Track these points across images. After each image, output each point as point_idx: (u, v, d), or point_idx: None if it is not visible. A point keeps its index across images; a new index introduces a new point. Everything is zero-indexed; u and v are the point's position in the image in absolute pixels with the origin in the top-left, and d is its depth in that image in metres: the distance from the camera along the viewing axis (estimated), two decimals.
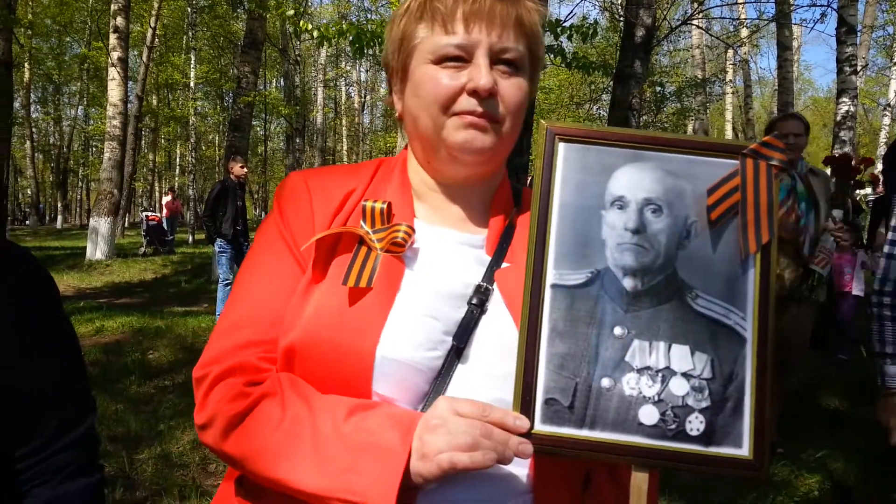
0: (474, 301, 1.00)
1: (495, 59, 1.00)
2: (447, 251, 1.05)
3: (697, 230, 0.91)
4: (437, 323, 0.97)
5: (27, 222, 35.26)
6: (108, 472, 4.03)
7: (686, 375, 0.88)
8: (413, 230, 1.03)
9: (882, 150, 20.92)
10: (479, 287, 1.01)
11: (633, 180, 0.92)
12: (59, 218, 37.29)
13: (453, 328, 0.97)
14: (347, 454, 0.87)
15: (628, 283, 0.90)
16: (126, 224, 27.19)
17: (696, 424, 0.87)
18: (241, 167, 9.25)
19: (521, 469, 0.95)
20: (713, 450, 0.87)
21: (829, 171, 5.26)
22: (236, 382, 0.96)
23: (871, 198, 9.76)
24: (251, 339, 0.99)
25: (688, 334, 0.89)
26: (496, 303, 1.01)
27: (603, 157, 0.93)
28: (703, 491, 3.90)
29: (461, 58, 1.00)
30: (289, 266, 1.04)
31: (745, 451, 0.87)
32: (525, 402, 0.88)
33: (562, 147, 0.94)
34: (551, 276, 0.91)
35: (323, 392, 0.94)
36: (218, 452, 0.98)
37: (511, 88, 1.02)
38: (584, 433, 0.87)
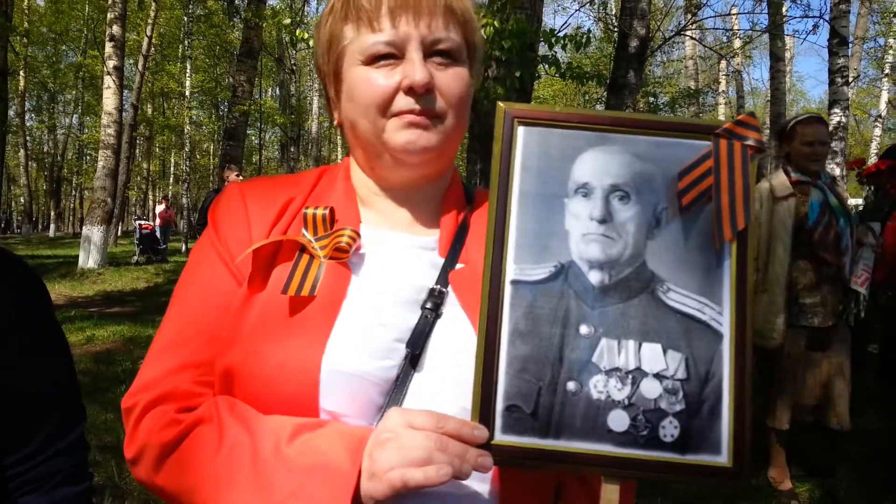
0: (428, 305, 0.94)
1: (429, 51, 0.95)
2: (397, 255, 1.00)
3: (668, 218, 0.85)
4: (388, 330, 0.91)
5: (20, 230, 35.07)
6: (97, 481, 3.98)
7: (658, 376, 0.81)
8: (358, 235, 0.97)
9: (873, 161, 21.01)
10: (432, 290, 0.95)
11: (599, 165, 0.86)
12: (52, 226, 37.17)
13: (406, 335, 0.91)
14: (291, 479, 0.80)
15: (594, 277, 0.83)
16: (119, 232, 27.10)
17: (669, 430, 0.81)
18: (237, 175, 9.33)
19: (483, 484, 0.88)
20: (689, 458, 0.80)
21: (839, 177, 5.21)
22: (167, 410, 0.90)
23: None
24: (184, 363, 0.93)
25: (660, 331, 0.82)
26: (452, 306, 0.95)
27: (566, 141, 0.86)
28: (697, 497, 3.85)
29: (393, 55, 0.95)
30: (223, 280, 0.97)
31: (723, 458, 0.80)
32: (484, 409, 0.81)
33: (521, 131, 0.87)
34: (511, 272, 0.84)
35: (266, 413, 0.87)
36: (151, 488, 0.91)
37: (449, 80, 0.96)
38: (549, 443, 0.80)
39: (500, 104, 0.87)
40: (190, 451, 0.86)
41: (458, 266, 0.99)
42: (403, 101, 0.94)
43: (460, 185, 1.11)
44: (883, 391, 5.05)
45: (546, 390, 0.81)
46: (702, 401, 0.81)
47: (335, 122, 1.07)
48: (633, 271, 0.83)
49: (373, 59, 0.95)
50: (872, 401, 5.36)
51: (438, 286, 0.96)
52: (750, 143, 0.85)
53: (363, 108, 0.96)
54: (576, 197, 0.85)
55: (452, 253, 1.00)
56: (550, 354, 0.82)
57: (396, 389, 0.89)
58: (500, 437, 0.81)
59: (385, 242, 1.01)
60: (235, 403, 0.89)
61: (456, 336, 0.92)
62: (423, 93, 0.93)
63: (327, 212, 0.98)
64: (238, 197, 1.03)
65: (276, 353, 0.87)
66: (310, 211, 0.98)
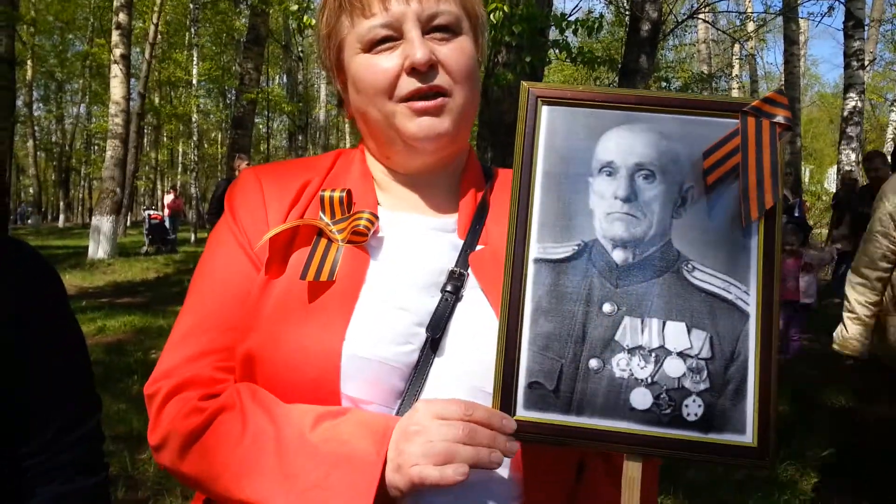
0: (448, 288, 0.92)
1: (427, 28, 0.94)
2: (416, 238, 0.98)
3: (694, 197, 0.84)
4: (408, 314, 0.90)
5: (29, 221, 35.33)
6: (110, 471, 3.96)
7: (682, 355, 0.81)
8: (376, 217, 0.96)
9: (889, 147, 20.76)
10: (452, 273, 0.94)
11: (623, 144, 0.85)
12: (62, 216, 37.35)
13: (427, 319, 0.90)
14: (316, 468, 0.80)
15: (618, 255, 0.83)
16: (128, 223, 27.21)
17: (693, 409, 0.80)
18: (247, 164, 9.32)
19: (507, 471, 0.88)
20: (713, 437, 0.80)
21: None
22: (190, 397, 0.89)
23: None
24: (204, 349, 0.93)
25: (684, 310, 0.82)
26: (472, 288, 0.94)
27: (590, 121, 0.86)
28: (707, 488, 3.84)
29: (391, 37, 0.93)
30: (242, 266, 0.96)
31: (748, 437, 0.80)
32: (507, 386, 0.81)
33: (545, 110, 0.86)
34: (534, 250, 0.84)
35: (287, 400, 0.87)
36: (176, 474, 0.91)
37: (452, 54, 0.95)
38: (571, 419, 0.80)
39: (524, 84, 0.87)
40: (214, 439, 0.86)
41: (479, 248, 0.97)
42: (408, 83, 0.92)
43: (478, 165, 1.09)
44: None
45: (568, 367, 0.81)
46: (726, 380, 0.81)
47: (347, 116, 1.06)
48: (657, 250, 0.83)
49: (372, 45, 0.94)
50: (884, 388, 5.31)
51: (458, 268, 0.95)
52: (779, 120, 0.84)
53: (370, 97, 0.95)
54: (600, 176, 0.85)
55: (472, 234, 0.99)
56: (573, 332, 0.82)
57: (417, 374, 0.88)
58: (522, 413, 0.81)
59: (403, 225, 0.99)
60: (257, 391, 0.89)
61: (477, 319, 0.91)
62: (426, 70, 0.92)
63: (344, 194, 0.97)
64: (254, 182, 1.01)
65: (296, 338, 0.87)
66: (326, 194, 0.97)
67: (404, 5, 0.93)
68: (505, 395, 0.81)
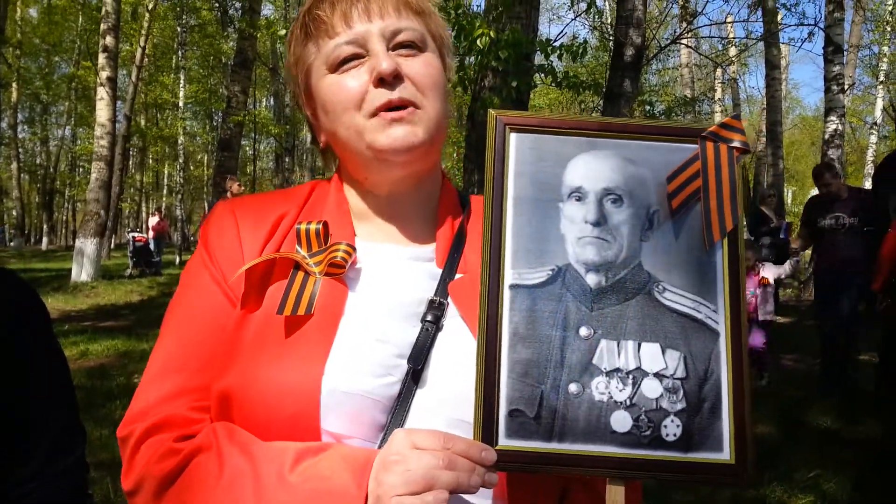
0: (428, 318, 0.92)
1: (392, 45, 0.95)
2: (394, 268, 0.98)
3: (660, 219, 0.86)
4: (388, 346, 0.89)
5: (12, 243, 34.93)
6: (94, 500, 3.89)
7: (658, 376, 0.82)
8: (353, 249, 0.95)
9: (870, 169, 21.09)
10: (432, 302, 0.93)
11: (591, 170, 0.87)
12: (45, 239, 36.95)
13: (407, 350, 0.89)
14: None
15: (592, 279, 0.84)
16: (112, 245, 26.94)
17: (672, 429, 0.81)
18: (239, 186, 9.41)
19: (489, 502, 0.86)
20: (692, 456, 0.81)
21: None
22: (165, 439, 0.87)
23: None
24: (179, 388, 0.90)
25: (657, 331, 0.83)
26: (452, 317, 0.93)
27: (557, 147, 0.88)
28: None
29: (357, 55, 0.94)
30: (217, 302, 0.95)
31: (726, 454, 0.81)
32: (487, 415, 0.81)
33: (513, 138, 0.88)
34: (509, 276, 0.84)
35: (266, 438, 0.85)
36: None
37: (418, 66, 0.95)
38: (553, 446, 0.80)
39: (492, 111, 0.88)
40: (190, 481, 0.84)
41: (457, 276, 0.97)
42: (377, 95, 0.92)
43: (454, 192, 1.09)
44: (881, 398, 5.00)
45: (548, 393, 0.81)
46: (702, 398, 0.82)
47: (321, 146, 1.06)
48: (628, 272, 0.84)
49: (338, 65, 0.95)
50: (869, 407, 5.36)
51: (438, 297, 0.94)
52: (735, 144, 0.87)
53: (338, 114, 0.95)
54: (570, 201, 0.86)
55: (450, 263, 0.98)
56: (552, 357, 0.82)
57: (399, 407, 0.87)
58: (504, 442, 0.81)
59: (381, 255, 0.99)
60: (234, 430, 0.86)
61: (458, 349, 0.90)
62: (392, 80, 0.92)
63: (321, 226, 0.96)
64: (228, 215, 1.00)
65: (274, 374, 0.85)
66: (303, 226, 0.96)
67: (367, 23, 0.94)
68: (486, 424, 0.80)
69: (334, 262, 0.93)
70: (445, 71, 1.01)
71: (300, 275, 0.93)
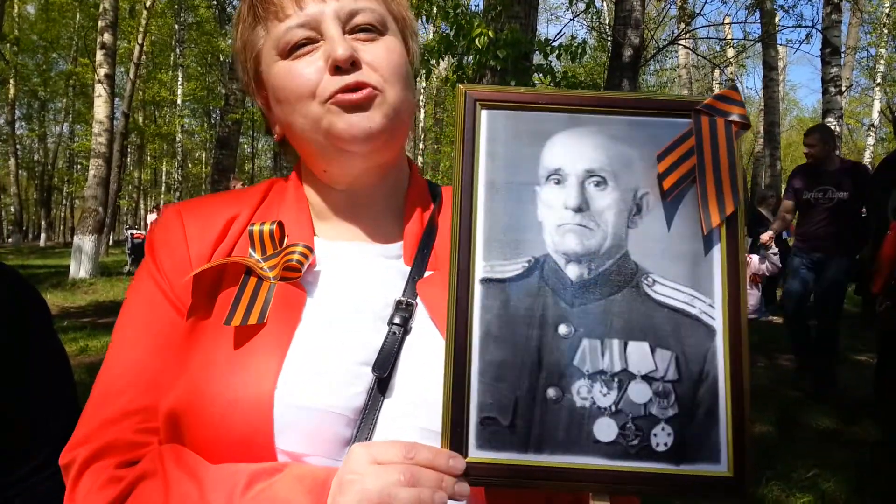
0: (396, 321, 0.84)
1: (348, 28, 0.87)
2: (359, 268, 0.90)
3: (650, 204, 0.77)
4: (351, 353, 0.82)
5: (10, 240, 34.85)
6: None
7: (647, 378, 0.74)
8: (311, 250, 0.88)
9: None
10: (399, 303, 0.86)
11: (571, 149, 0.78)
12: (43, 235, 36.91)
13: (373, 357, 0.82)
14: None
15: (572, 271, 0.76)
16: (111, 242, 26.91)
17: (662, 438, 0.73)
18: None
19: None
20: (685, 468, 0.73)
21: None
22: (106, 465, 0.81)
23: None
24: (124, 410, 0.84)
25: (646, 328, 0.75)
26: (422, 319, 0.86)
27: (534, 125, 0.79)
28: None
29: (311, 39, 0.86)
30: (164, 314, 0.88)
31: (723, 466, 0.73)
32: (456, 424, 0.73)
33: (485, 115, 0.79)
34: (480, 270, 0.76)
35: (217, 460, 0.78)
36: None
37: (377, 50, 0.87)
38: (530, 458, 0.73)
39: (460, 86, 0.79)
40: None
41: (427, 274, 0.90)
42: (332, 82, 0.84)
43: (423, 183, 1.01)
44: (879, 400, 5.03)
45: (524, 399, 0.73)
46: (696, 404, 0.74)
47: (276, 137, 0.97)
48: (614, 263, 0.76)
49: (289, 50, 0.87)
50: (867, 409, 5.38)
51: (406, 298, 0.87)
52: (734, 118, 0.78)
53: (292, 104, 0.87)
54: (548, 184, 0.78)
55: (419, 260, 0.91)
56: (528, 359, 0.74)
57: (365, 419, 0.79)
58: (476, 454, 0.73)
59: (343, 255, 0.92)
60: (182, 453, 0.80)
61: (428, 352, 0.82)
62: (348, 67, 0.84)
63: (275, 227, 0.88)
64: (175, 218, 0.93)
65: (222, 390, 0.78)
66: (256, 227, 0.89)
67: (321, 4, 0.86)
68: (455, 434, 0.72)
69: (290, 266, 0.85)
70: (409, 56, 0.93)
71: (252, 280, 0.86)
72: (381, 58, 0.87)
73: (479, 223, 0.77)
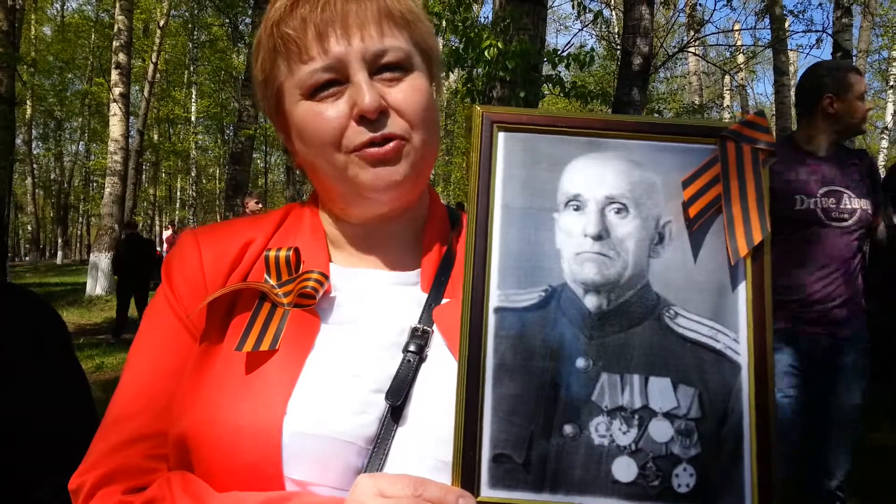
0: (411, 348, 0.83)
1: (375, 68, 0.85)
2: (376, 295, 0.89)
3: (673, 233, 0.75)
4: (364, 381, 0.81)
5: (27, 258, 35.20)
6: None
7: (669, 416, 0.71)
8: (326, 277, 0.87)
9: (881, 174, 20.90)
10: (414, 330, 0.84)
11: (591, 175, 0.76)
12: (60, 253, 37.32)
13: (386, 384, 0.80)
14: None
15: (591, 301, 0.73)
16: None
17: (684, 479, 0.69)
18: (256, 202, 9.47)
19: None
20: None
21: None
22: (114, 490, 0.82)
23: None
24: (134, 435, 0.84)
25: (668, 363, 0.72)
26: (437, 347, 0.84)
27: (553, 148, 0.77)
28: None
29: (335, 81, 0.84)
30: (179, 340, 0.88)
31: None
32: (468, 460, 0.69)
33: (502, 137, 0.77)
34: (495, 298, 0.73)
35: (225, 487, 0.77)
36: None
37: (405, 94, 0.85)
38: (545, 497, 0.69)
39: (477, 107, 0.77)
40: None
41: (445, 301, 0.88)
42: (358, 133, 0.83)
43: (442, 209, 1.00)
44: None
45: (539, 436, 0.70)
46: (720, 443, 0.71)
47: (295, 164, 0.97)
48: (634, 294, 0.73)
49: (314, 91, 0.85)
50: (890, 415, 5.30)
51: (422, 325, 0.85)
52: (761, 146, 0.76)
53: (317, 148, 0.86)
54: (567, 211, 0.75)
55: (437, 287, 0.90)
56: (543, 393, 0.71)
57: (377, 449, 0.77)
58: (488, 493, 0.70)
59: (361, 281, 0.91)
60: (190, 480, 0.79)
61: (444, 381, 0.79)
62: (376, 117, 0.83)
63: (291, 253, 0.88)
64: (191, 244, 0.93)
65: (232, 417, 0.77)
66: (272, 253, 0.88)
67: (345, 45, 0.83)
68: (466, 471, 0.69)
69: (304, 293, 0.85)
70: (434, 87, 0.92)
71: (266, 306, 0.85)
72: (408, 101, 0.85)
73: (495, 250, 0.74)
